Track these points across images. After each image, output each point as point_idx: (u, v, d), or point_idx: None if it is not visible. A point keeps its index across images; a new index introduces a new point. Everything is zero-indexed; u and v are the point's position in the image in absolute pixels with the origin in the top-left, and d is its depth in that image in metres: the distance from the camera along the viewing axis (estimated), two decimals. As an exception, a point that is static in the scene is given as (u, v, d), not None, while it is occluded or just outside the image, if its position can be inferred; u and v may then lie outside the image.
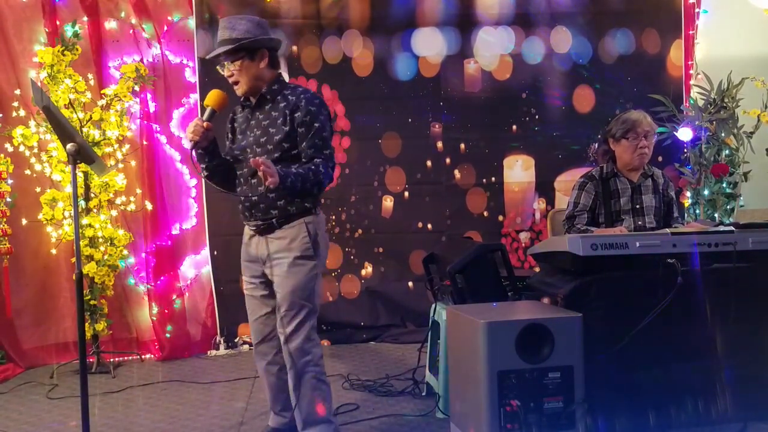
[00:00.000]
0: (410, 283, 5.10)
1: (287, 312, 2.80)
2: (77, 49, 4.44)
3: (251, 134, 2.86)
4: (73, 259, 4.01)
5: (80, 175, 4.34)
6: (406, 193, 5.10)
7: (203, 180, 2.93)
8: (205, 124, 2.75)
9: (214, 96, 2.79)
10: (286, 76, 4.91)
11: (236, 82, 2.81)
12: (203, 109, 2.86)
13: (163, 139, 4.82)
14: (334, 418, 3.04)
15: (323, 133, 2.78)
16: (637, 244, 2.77)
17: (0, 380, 4.26)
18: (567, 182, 5.04)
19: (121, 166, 4.61)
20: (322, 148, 2.77)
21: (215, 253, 4.89)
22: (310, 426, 2.85)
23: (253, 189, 2.82)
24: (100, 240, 4.42)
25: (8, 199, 4.38)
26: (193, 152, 2.81)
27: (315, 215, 2.85)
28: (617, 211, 3.46)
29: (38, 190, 4.49)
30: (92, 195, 4.44)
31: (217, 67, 2.85)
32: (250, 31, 2.75)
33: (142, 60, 4.70)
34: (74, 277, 2.62)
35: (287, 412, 3.04)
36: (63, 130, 2.62)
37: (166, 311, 4.75)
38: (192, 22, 4.84)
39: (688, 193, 4.95)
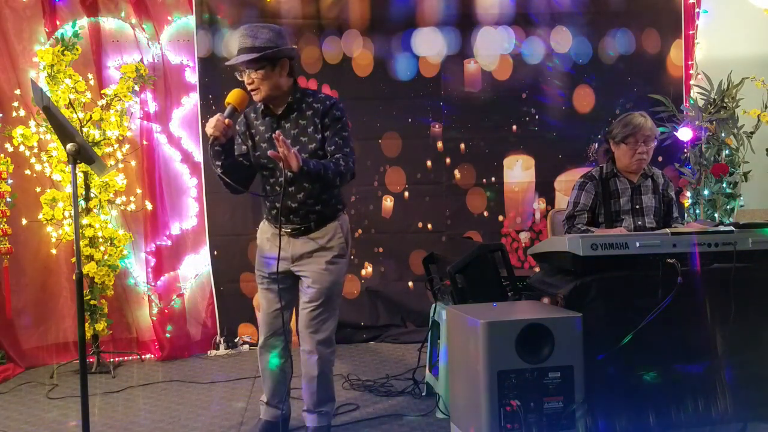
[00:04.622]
0: (410, 283, 5.10)
1: (321, 305, 2.94)
2: (77, 49, 4.45)
3: None
4: (73, 259, 4.02)
5: (80, 175, 4.35)
6: (406, 193, 5.10)
7: (218, 177, 2.89)
8: (226, 121, 2.76)
9: (235, 95, 2.81)
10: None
11: (256, 89, 2.82)
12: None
13: (163, 139, 4.82)
14: None
15: (344, 133, 2.88)
16: (637, 244, 2.77)
17: (0, 380, 4.26)
18: (567, 182, 5.04)
19: (121, 166, 4.62)
20: (343, 146, 2.86)
21: (215, 253, 4.89)
22: (324, 404, 3.08)
23: (290, 197, 2.88)
24: (100, 240, 4.42)
25: (8, 199, 4.38)
26: (211, 148, 2.82)
27: (344, 216, 3.04)
28: (617, 211, 3.46)
29: (38, 190, 4.50)
30: (92, 195, 4.44)
31: (236, 73, 2.87)
32: (272, 40, 2.77)
33: (142, 60, 4.70)
34: (74, 277, 2.63)
35: (283, 403, 3.15)
36: (63, 130, 2.62)
37: (166, 311, 4.75)
38: (192, 22, 4.84)
39: (688, 193, 4.95)
